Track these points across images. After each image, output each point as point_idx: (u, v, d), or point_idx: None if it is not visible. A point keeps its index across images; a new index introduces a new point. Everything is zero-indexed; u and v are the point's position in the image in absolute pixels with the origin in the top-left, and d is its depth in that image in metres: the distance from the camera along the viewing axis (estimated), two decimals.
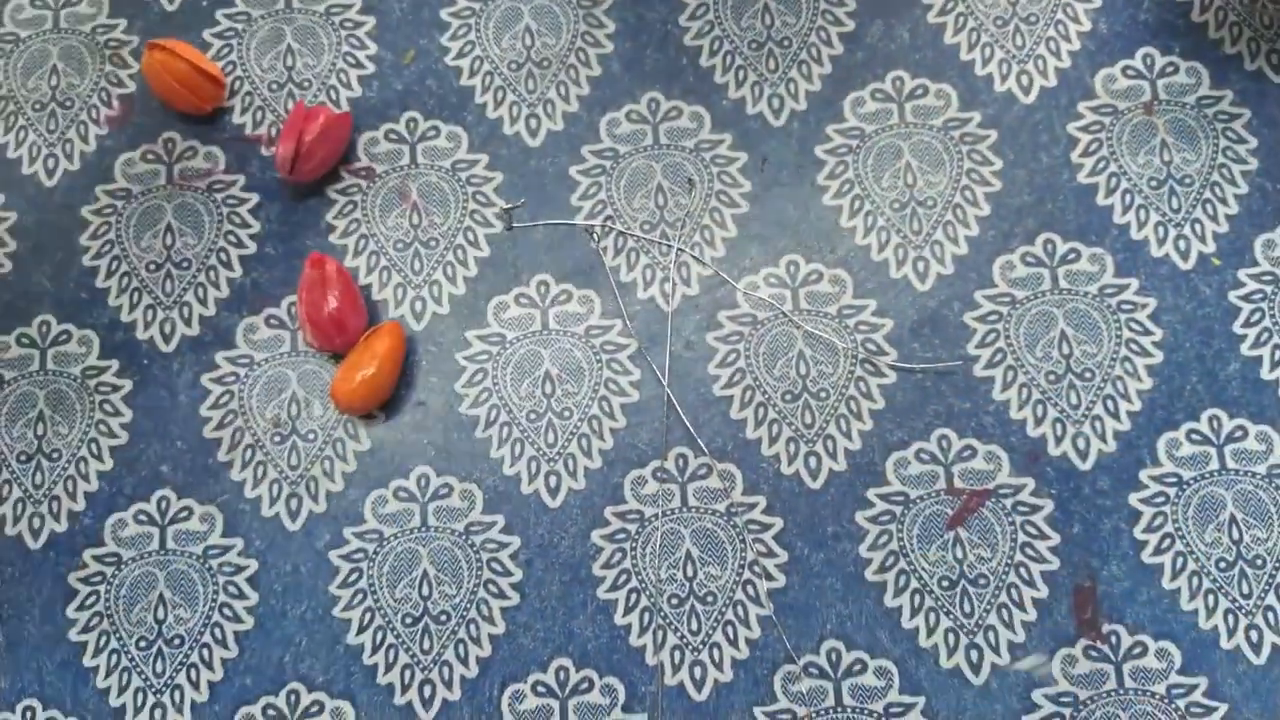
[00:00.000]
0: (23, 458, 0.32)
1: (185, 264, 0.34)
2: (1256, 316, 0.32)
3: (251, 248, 0.34)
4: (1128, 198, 0.33)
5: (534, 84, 0.35)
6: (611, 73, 0.35)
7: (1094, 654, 0.30)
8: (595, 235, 0.32)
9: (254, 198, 0.34)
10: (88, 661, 0.31)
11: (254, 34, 0.36)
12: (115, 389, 0.33)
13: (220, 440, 0.32)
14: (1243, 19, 0.35)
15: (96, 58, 0.36)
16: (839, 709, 0.30)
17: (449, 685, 0.30)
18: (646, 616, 0.31)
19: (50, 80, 0.35)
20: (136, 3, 0.36)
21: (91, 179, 0.35)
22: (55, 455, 0.32)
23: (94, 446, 0.32)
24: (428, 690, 0.30)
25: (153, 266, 0.34)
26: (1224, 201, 0.33)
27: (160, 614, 0.31)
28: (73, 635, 0.31)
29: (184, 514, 0.32)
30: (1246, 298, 0.33)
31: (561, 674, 0.30)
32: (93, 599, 0.31)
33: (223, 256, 0.34)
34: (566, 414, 0.32)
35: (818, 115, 0.34)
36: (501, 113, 0.35)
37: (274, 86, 0.35)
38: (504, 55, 0.35)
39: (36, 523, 0.32)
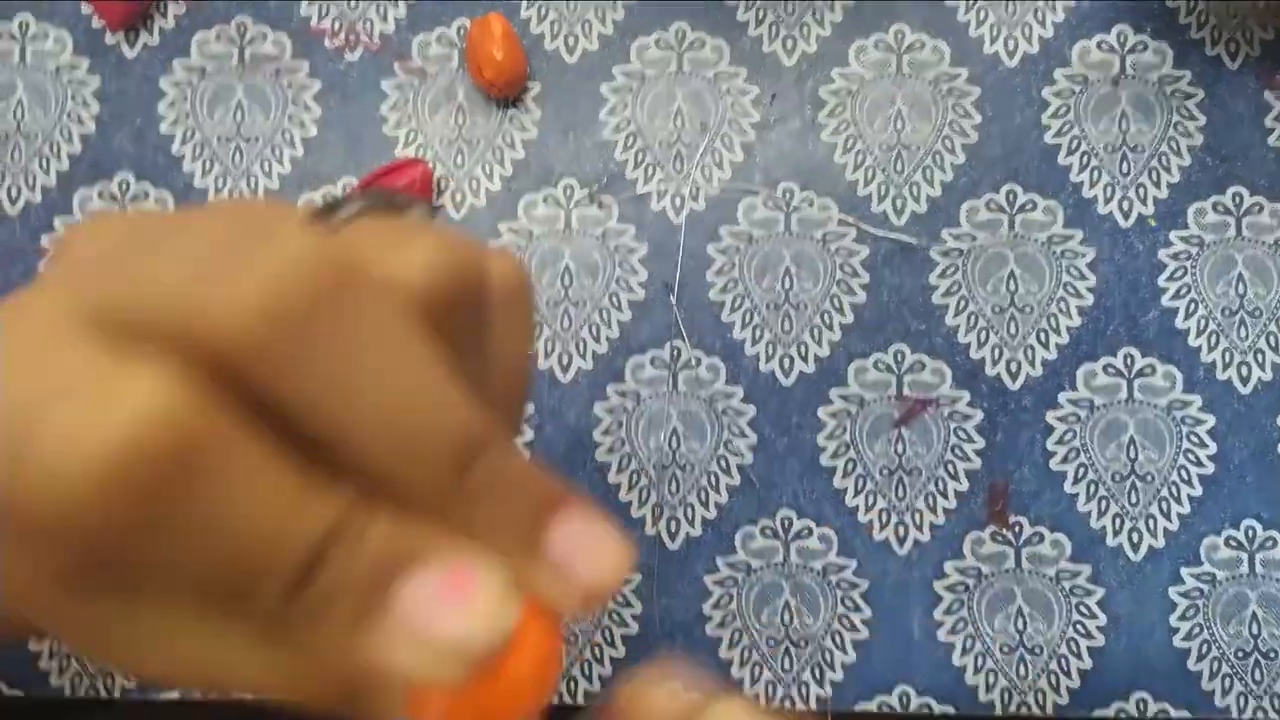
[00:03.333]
0: None
1: (254, 139, 0.38)
2: (1179, 274, 0.38)
3: (312, 131, 0.38)
4: (1085, 159, 0.38)
5: (574, 4, 0.39)
6: (645, 2, 0.39)
7: (999, 539, 0.37)
8: (593, 196, 0.37)
9: (316, 84, 0.39)
10: None
11: None
12: None
13: None
14: (1210, 8, 0.39)
15: None
16: (786, 565, 0.36)
17: None
18: (635, 477, 0.37)
19: None
20: None
21: (169, 54, 0.39)
22: None
23: None
24: None
25: (223, 139, 0.38)
26: (1168, 170, 0.38)
27: None
28: None
29: None
30: (1174, 256, 0.38)
31: None
32: None
33: (287, 136, 0.38)
34: (581, 304, 0.38)
35: (825, 55, 0.39)
36: (543, 29, 0.39)
37: None
38: None
39: None
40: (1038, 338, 0.37)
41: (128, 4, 0.38)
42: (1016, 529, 0.37)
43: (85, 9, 0.39)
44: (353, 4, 0.39)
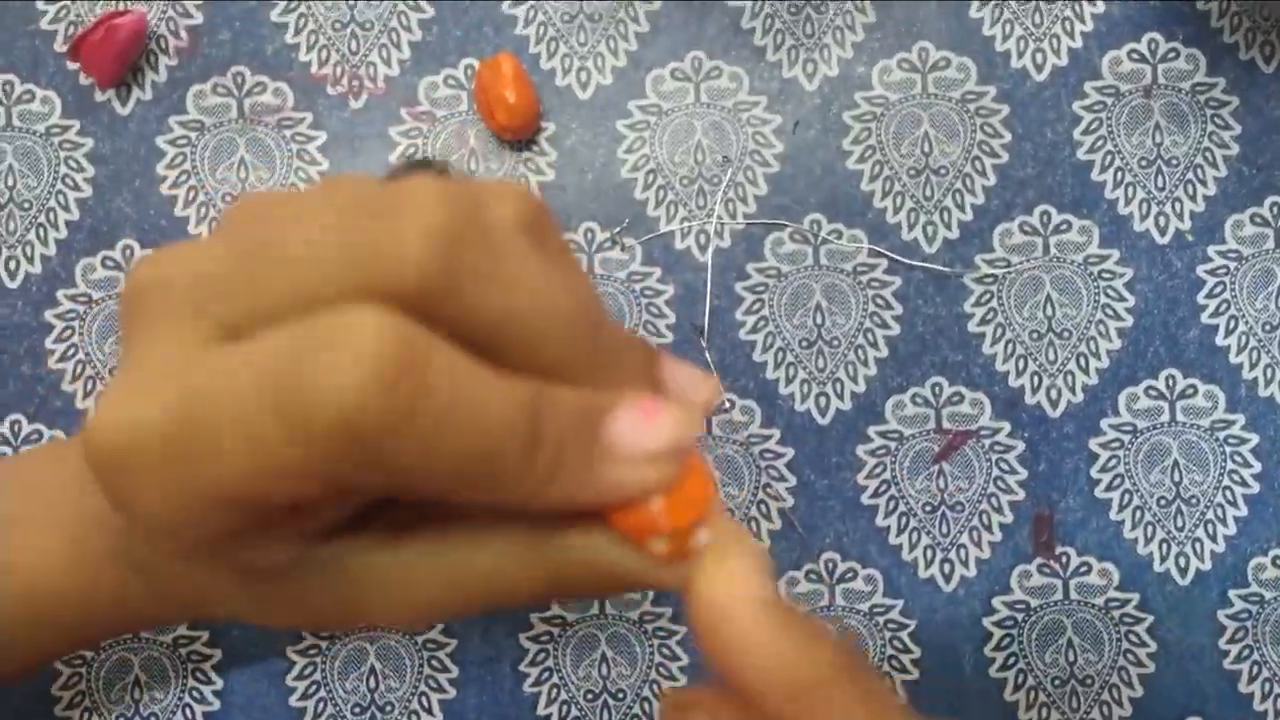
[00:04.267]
0: (115, 372, 0.36)
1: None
2: (1219, 289, 0.37)
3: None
4: (1119, 175, 0.37)
5: (585, 37, 0.37)
6: (659, 30, 0.37)
7: (1046, 571, 0.36)
8: (616, 240, 0.35)
9: (322, 135, 0.37)
10: None
11: None
12: None
13: None
14: (1244, 9, 0.38)
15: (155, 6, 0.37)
16: (831, 608, 0.36)
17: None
18: None
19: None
20: None
21: (165, 110, 0.37)
22: None
23: None
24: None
25: (229, 198, 0.37)
26: (1203, 183, 0.37)
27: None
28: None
29: None
30: (1212, 272, 0.37)
31: None
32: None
33: (295, 190, 0.37)
34: None
35: (847, 79, 0.37)
36: (554, 65, 0.37)
37: (337, 26, 0.37)
38: (557, 8, 0.37)
39: None
40: (1077, 363, 0.37)
41: (118, 59, 0.36)
42: (1064, 560, 0.36)
43: (72, 66, 0.37)
44: (353, 47, 0.37)
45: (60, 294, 0.36)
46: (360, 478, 0.16)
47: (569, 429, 0.17)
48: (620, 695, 0.36)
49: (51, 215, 0.36)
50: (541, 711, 0.35)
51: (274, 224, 0.18)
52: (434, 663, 0.36)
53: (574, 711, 0.36)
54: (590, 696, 0.36)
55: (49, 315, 0.36)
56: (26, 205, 0.37)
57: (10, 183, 0.37)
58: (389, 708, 0.35)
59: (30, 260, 0.36)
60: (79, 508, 0.25)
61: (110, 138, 0.37)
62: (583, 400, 0.18)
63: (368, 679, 0.35)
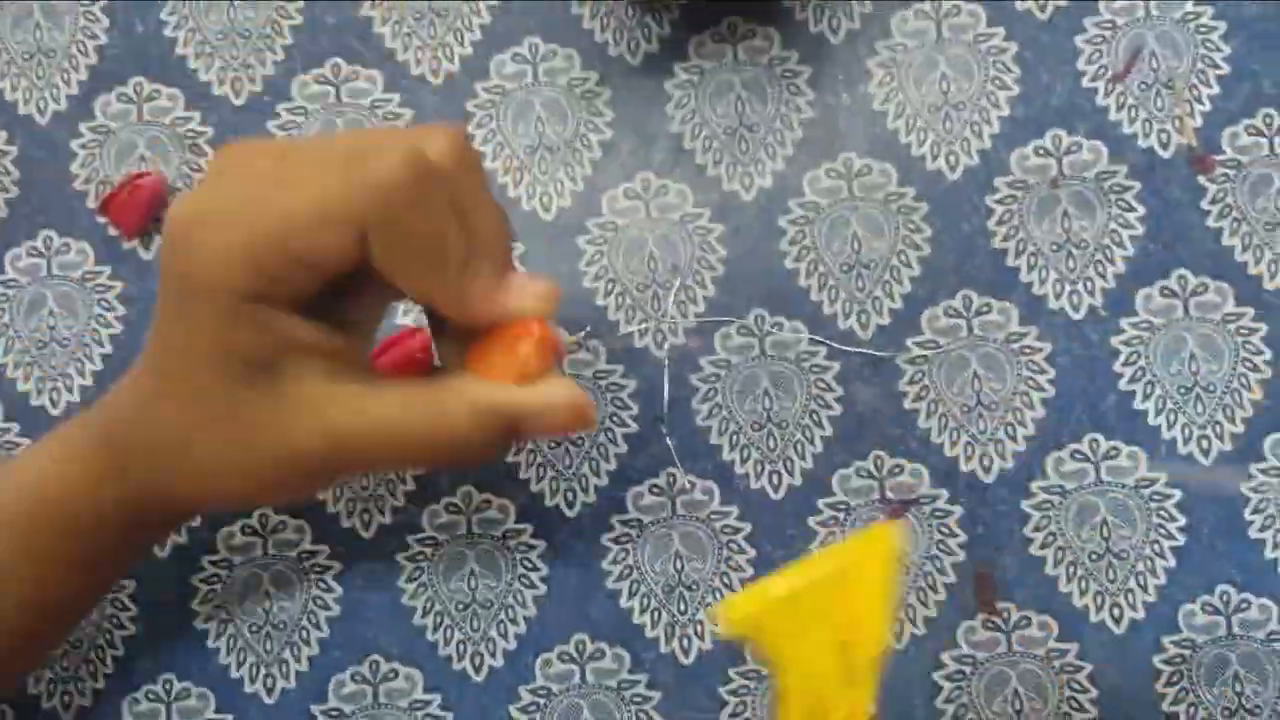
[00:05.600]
0: None
1: None
2: (1134, 358, 0.40)
3: None
4: (1032, 260, 0.41)
5: (546, 166, 0.42)
6: (611, 156, 0.42)
7: (990, 625, 0.39)
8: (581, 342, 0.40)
9: None
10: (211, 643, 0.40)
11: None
12: None
13: None
14: (1139, 102, 0.42)
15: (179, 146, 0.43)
16: None
17: (492, 655, 0.39)
18: (645, 601, 0.40)
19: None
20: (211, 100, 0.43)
21: None
22: None
23: None
24: (476, 660, 0.39)
25: None
26: (1112, 261, 0.41)
27: (266, 605, 0.40)
28: (197, 624, 0.40)
29: (280, 526, 0.40)
30: (1126, 342, 0.40)
31: (580, 647, 0.39)
32: (211, 595, 0.40)
33: None
34: (580, 441, 0.41)
35: (781, 188, 0.42)
36: (520, 192, 0.42)
37: None
38: (520, 142, 0.42)
39: None
40: (1005, 431, 0.40)
41: (141, 214, 0.41)
42: (1005, 614, 0.39)
43: (101, 220, 0.42)
44: None
45: None
46: (375, 230, 0.27)
47: (486, 267, 0.29)
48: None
49: (87, 350, 0.42)
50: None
51: (324, 142, 0.31)
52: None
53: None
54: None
55: None
56: (66, 342, 0.42)
57: (51, 324, 0.42)
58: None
59: (70, 390, 0.42)
60: (72, 429, 0.33)
61: (137, 280, 0.42)
62: (508, 262, 0.31)
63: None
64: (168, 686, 0.40)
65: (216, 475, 0.30)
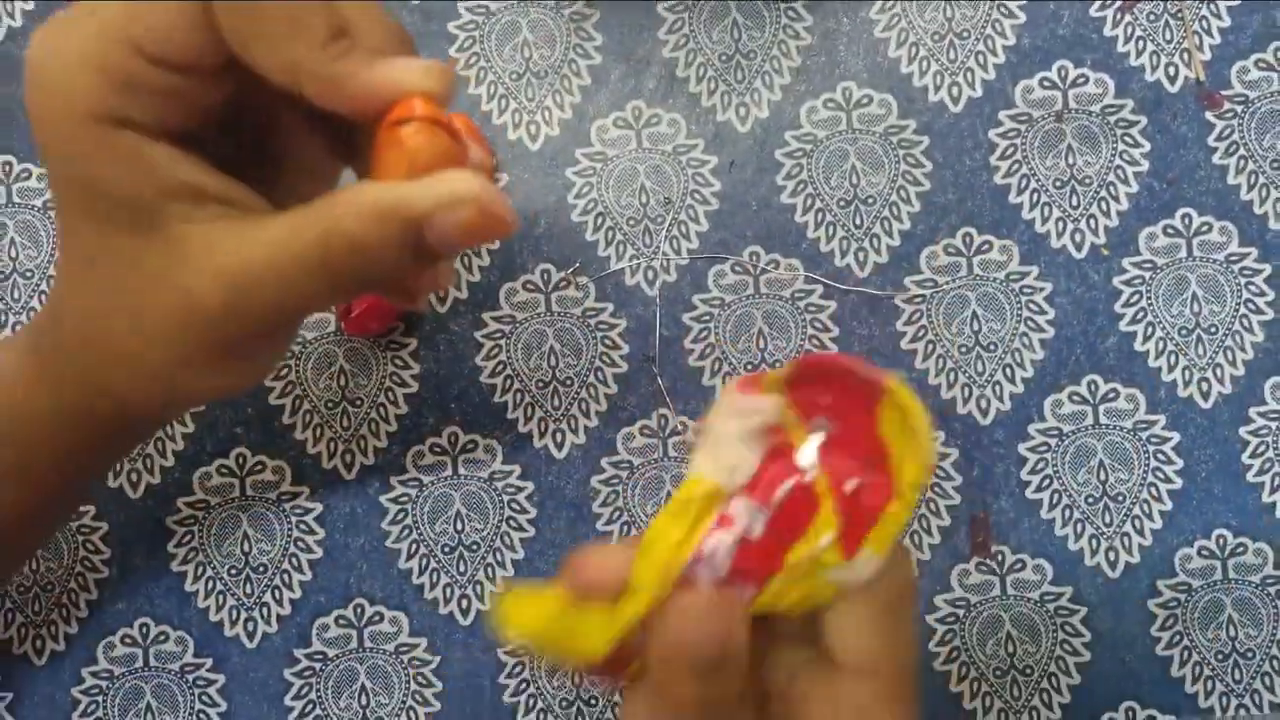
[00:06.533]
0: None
1: None
2: (1135, 299, 0.39)
3: None
4: (1035, 196, 0.40)
5: (532, 93, 0.40)
6: (601, 83, 0.40)
7: (984, 568, 0.39)
8: (570, 279, 0.38)
9: None
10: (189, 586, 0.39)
11: None
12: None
13: (283, 406, 0.39)
14: (1148, 34, 0.40)
15: None
16: None
17: (481, 600, 0.38)
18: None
19: None
20: None
21: None
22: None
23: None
24: (464, 603, 0.38)
25: None
26: (1116, 199, 0.40)
27: (246, 547, 0.39)
28: (174, 566, 0.39)
29: (258, 467, 0.39)
30: (1128, 283, 0.39)
31: None
32: (187, 537, 0.39)
33: None
34: (569, 382, 0.39)
35: (778, 119, 0.40)
36: (505, 120, 0.40)
37: None
38: (505, 66, 0.41)
39: (134, 477, 0.39)
40: (1004, 373, 0.39)
41: None
42: (999, 558, 0.39)
43: None
44: None
45: None
46: (225, 3, 0.23)
47: (359, 39, 0.25)
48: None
49: (51, 282, 0.40)
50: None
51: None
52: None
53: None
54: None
55: None
56: (29, 274, 0.40)
57: (13, 254, 0.40)
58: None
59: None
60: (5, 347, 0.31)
61: None
62: (375, 44, 0.26)
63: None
64: (144, 630, 0.39)
65: (126, 349, 0.27)
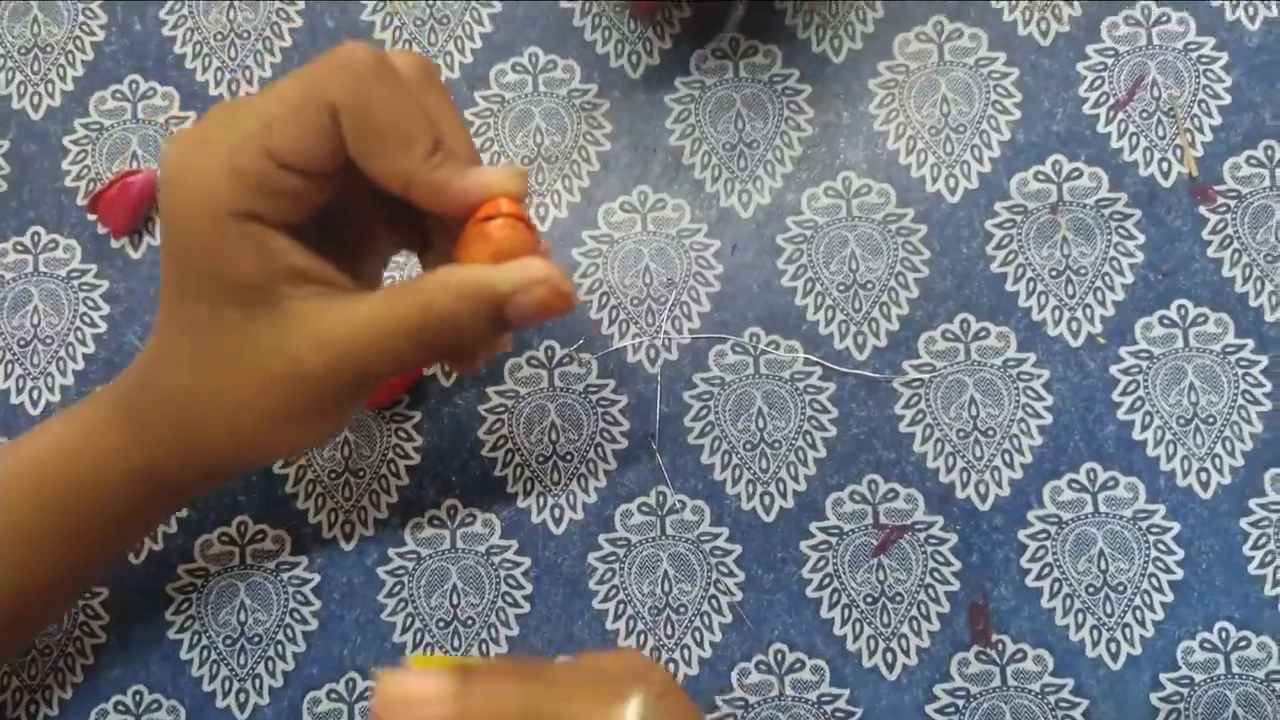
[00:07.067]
0: None
1: None
2: (1132, 387, 0.40)
3: None
4: (1031, 285, 0.40)
5: (543, 177, 0.42)
6: (609, 168, 0.42)
7: (984, 658, 0.38)
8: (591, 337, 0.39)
9: None
10: (184, 655, 0.39)
11: None
12: None
13: (287, 475, 0.40)
14: (1141, 130, 0.41)
15: None
16: (781, 698, 0.38)
17: None
18: (631, 623, 0.39)
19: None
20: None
21: None
22: None
23: None
24: None
25: None
26: (1112, 289, 0.40)
27: (242, 616, 0.39)
28: (171, 634, 0.39)
29: (259, 536, 0.39)
30: (1125, 371, 0.40)
31: None
32: (185, 605, 0.39)
33: None
34: (569, 457, 0.40)
35: (779, 205, 0.41)
36: None
37: None
38: (518, 151, 0.42)
39: (138, 543, 0.39)
40: (1003, 459, 0.39)
41: (130, 212, 0.41)
42: (1000, 647, 0.38)
43: (91, 217, 0.42)
44: None
45: None
46: (345, 110, 0.28)
47: (454, 149, 0.30)
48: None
49: (70, 349, 0.41)
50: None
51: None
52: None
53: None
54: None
55: None
56: (50, 340, 0.41)
57: (36, 320, 0.41)
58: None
59: (51, 390, 0.41)
60: (88, 403, 0.33)
61: (124, 279, 0.41)
62: (464, 154, 0.31)
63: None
64: (138, 698, 0.38)
65: (227, 412, 0.30)
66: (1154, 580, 0.38)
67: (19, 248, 0.42)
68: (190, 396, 0.30)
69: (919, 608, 0.39)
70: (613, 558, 0.39)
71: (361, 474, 0.40)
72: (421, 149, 0.29)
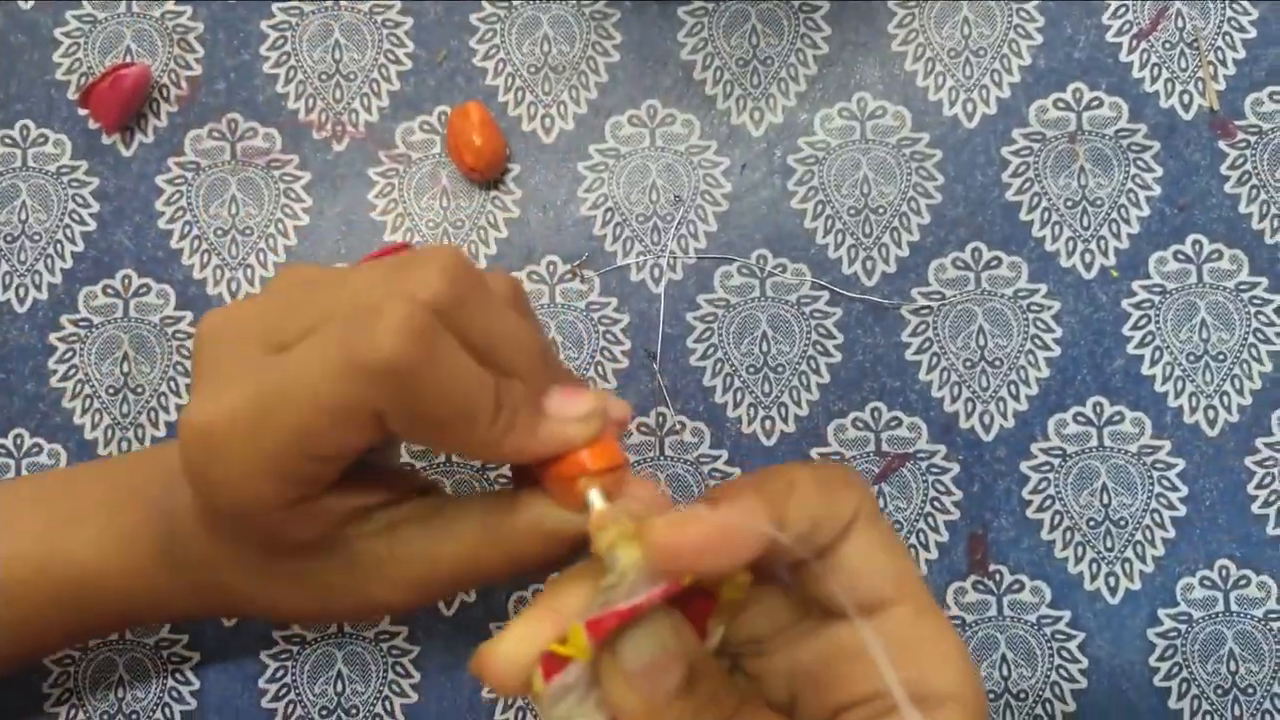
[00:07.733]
0: (110, 390, 0.39)
1: (249, 230, 0.40)
2: (1143, 322, 0.39)
3: (304, 220, 0.40)
4: (1045, 215, 0.40)
5: (549, 87, 0.41)
6: (617, 80, 0.41)
7: (980, 587, 0.38)
8: (576, 273, 0.38)
9: (306, 175, 0.40)
10: None
11: (305, 29, 0.41)
12: (190, 336, 0.39)
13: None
14: (1163, 61, 0.40)
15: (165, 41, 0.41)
16: None
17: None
18: None
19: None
20: None
21: (164, 152, 0.40)
22: (139, 390, 0.39)
23: (173, 384, 0.39)
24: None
25: (220, 232, 0.40)
26: (1127, 222, 0.40)
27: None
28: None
29: None
30: (1137, 305, 0.39)
31: None
32: None
33: (280, 226, 0.40)
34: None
35: (792, 125, 0.40)
36: (520, 112, 0.41)
37: (323, 76, 0.41)
38: (524, 59, 0.41)
39: (124, 446, 0.39)
40: (1009, 390, 0.39)
41: (122, 107, 0.39)
42: (997, 577, 0.38)
43: (82, 112, 0.40)
44: (337, 96, 0.41)
45: (64, 319, 0.39)
46: (391, 411, 0.24)
47: (519, 403, 0.26)
48: None
49: (59, 246, 0.40)
50: (499, 717, 0.37)
51: (321, 278, 0.26)
52: (398, 668, 0.38)
53: (528, 717, 0.37)
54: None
55: (53, 338, 0.39)
56: (38, 237, 0.40)
57: (24, 217, 0.40)
58: (354, 710, 0.37)
59: (38, 288, 0.40)
60: (133, 514, 0.31)
61: (114, 177, 0.40)
62: (530, 389, 0.27)
63: (335, 683, 0.37)
64: None
65: (283, 610, 0.30)
66: (1156, 516, 0.38)
67: (7, 141, 0.40)
68: (244, 594, 0.30)
69: (918, 536, 0.38)
70: None
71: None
72: (480, 423, 0.25)
